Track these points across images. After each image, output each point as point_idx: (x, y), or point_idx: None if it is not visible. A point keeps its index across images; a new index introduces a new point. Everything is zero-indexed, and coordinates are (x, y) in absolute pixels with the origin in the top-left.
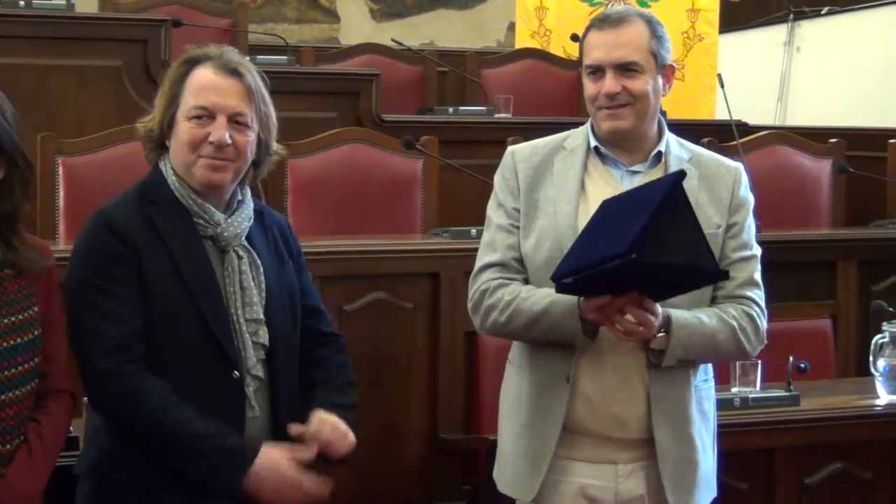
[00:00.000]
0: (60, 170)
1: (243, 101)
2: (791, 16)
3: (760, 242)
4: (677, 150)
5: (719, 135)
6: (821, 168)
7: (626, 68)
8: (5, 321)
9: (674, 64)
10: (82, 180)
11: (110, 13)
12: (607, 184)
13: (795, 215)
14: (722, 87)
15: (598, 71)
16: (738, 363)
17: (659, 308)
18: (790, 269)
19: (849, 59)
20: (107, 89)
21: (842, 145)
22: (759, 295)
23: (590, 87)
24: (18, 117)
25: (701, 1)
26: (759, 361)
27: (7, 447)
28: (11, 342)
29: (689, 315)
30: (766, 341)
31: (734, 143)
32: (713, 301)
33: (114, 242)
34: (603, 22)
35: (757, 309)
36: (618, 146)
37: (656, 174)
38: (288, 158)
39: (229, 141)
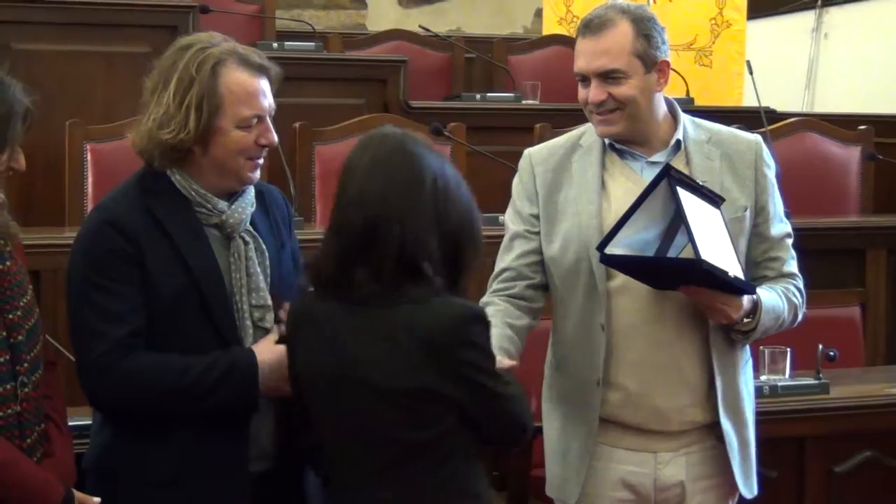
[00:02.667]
0: (89, 156)
1: (272, 94)
2: (819, 2)
3: None
4: (695, 134)
5: (747, 121)
6: (849, 155)
7: (608, 76)
8: (21, 302)
9: (667, 59)
10: (110, 166)
11: None
12: (627, 178)
13: (824, 203)
14: (751, 73)
15: (584, 78)
16: (767, 351)
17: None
18: (819, 257)
19: (877, 46)
20: (135, 76)
21: (870, 132)
22: (797, 268)
23: (580, 92)
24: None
25: None
26: (789, 349)
27: (41, 426)
28: (29, 324)
29: (772, 299)
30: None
31: (763, 129)
32: (763, 279)
33: (116, 238)
34: (586, 28)
35: (802, 284)
36: (631, 140)
37: (677, 163)
38: (316, 145)
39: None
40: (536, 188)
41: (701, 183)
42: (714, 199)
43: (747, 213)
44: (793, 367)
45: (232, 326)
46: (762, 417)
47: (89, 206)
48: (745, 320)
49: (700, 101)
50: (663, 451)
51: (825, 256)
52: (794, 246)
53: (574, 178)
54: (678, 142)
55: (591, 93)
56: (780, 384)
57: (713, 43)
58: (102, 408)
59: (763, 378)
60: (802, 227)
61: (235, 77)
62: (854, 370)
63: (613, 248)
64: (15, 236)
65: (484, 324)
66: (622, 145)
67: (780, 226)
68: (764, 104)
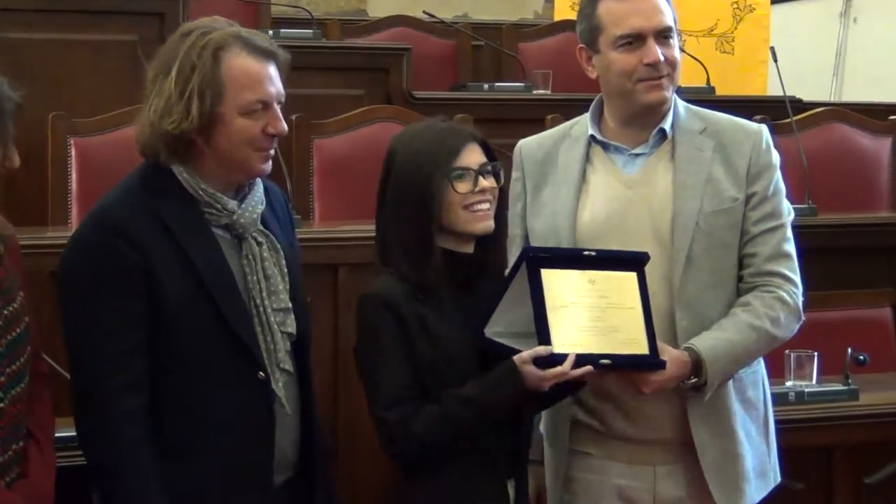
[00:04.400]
0: (73, 151)
1: (281, 81)
2: None
3: (815, 227)
4: (688, 123)
5: (772, 112)
6: (880, 147)
7: (664, 35)
8: (6, 311)
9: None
10: (96, 162)
11: None
12: (609, 173)
13: (853, 197)
14: (775, 60)
15: (635, 41)
16: (793, 355)
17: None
18: (847, 255)
19: None
20: (122, 65)
21: None
22: (789, 267)
23: (625, 59)
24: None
25: None
26: (816, 353)
27: (19, 444)
28: (12, 334)
29: (717, 344)
30: (802, 317)
31: (788, 120)
32: (741, 280)
33: (122, 248)
34: None
35: (788, 287)
36: (630, 125)
37: (662, 154)
38: (314, 138)
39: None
40: (525, 184)
41: (593, 252)
42: (626, 261)
43: (738, 205)
44: (820, 373)
45: (252, 336)
46: (787, 426)
47: (74, 205)
48: (691, 381)
49: (721, 90)
50: (662, 463)
51: (854, 254)
52: (821, 243)
53: (559, 171)
54: (662, 131)
55: (652, 52)
56: (806, 390)
57: (735, 28)
58: (78, 432)
59: (789, 384)
60: (830, 223)
61: (238, 62)
62: (885, 375)
63: (494, 327)
64: (11, 237)
65: (366, 306)
66: (604, 137)
67: (768, 219)
68: (789, 93)
